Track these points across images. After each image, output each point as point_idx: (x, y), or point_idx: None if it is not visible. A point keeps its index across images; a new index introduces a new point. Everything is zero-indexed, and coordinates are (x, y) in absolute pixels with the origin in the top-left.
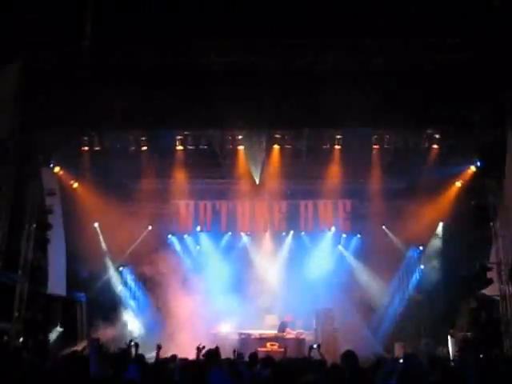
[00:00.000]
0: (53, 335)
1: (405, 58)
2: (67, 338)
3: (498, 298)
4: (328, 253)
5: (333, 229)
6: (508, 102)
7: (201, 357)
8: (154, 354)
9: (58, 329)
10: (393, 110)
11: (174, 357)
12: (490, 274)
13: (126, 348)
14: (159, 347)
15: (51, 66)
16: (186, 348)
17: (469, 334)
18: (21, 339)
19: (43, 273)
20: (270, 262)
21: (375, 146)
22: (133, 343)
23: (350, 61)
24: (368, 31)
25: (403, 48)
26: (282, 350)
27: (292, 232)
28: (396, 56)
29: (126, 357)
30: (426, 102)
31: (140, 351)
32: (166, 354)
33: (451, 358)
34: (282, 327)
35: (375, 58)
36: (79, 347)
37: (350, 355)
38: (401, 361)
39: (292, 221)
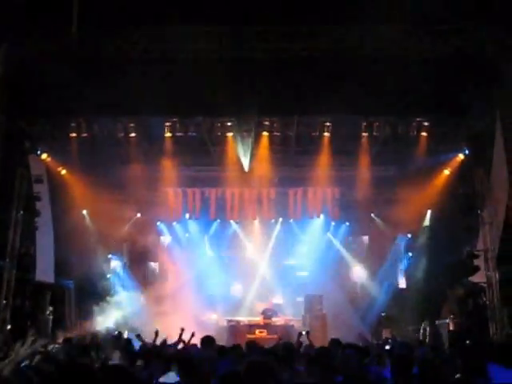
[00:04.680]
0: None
1: (393, 45)
2: (56, 325)
3: (485, 285)
4: (317, 240)
5: (322, 216)
6: (496, 91)
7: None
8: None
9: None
10: (382, 97)
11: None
12: (477, 262)
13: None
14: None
15: (37, 53)
16: (174, 334)
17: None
18: (8, 327)
19: (31, 260)
20: (259, 249)
21: (364, 134)
22: (116, 332)
23: (339, 48)
24: (357, 18)
25: (392, 35)
26: (271, 336)
27: (281, 219)
28: (384, 43)
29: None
30: (415, 89)
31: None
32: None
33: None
34: (268, 314)
35: (364, 45)
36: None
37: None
38: (387, 347)
39: (281, 208)
